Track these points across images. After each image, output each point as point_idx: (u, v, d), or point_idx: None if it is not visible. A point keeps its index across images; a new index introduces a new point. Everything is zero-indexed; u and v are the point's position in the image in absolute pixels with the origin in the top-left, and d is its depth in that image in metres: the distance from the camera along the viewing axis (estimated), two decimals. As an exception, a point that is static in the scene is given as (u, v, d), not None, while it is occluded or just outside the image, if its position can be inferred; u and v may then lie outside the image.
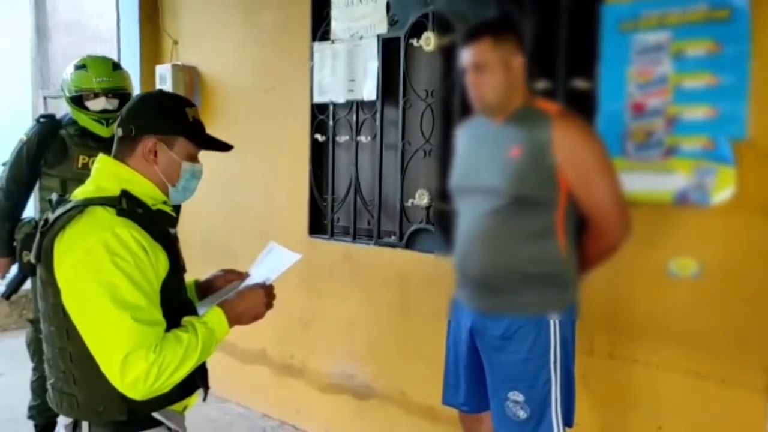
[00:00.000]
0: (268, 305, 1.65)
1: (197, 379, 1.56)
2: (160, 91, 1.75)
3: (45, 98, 5.71)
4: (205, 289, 1.79)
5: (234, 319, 1.56)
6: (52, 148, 2.93)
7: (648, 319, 2.36)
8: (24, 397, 3.15)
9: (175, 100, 1.67)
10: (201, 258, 2.88)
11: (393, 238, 3.17)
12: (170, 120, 1.58)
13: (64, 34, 5.85)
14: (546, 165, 1.96)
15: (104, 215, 1.44)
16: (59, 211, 1.47)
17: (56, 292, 1.43)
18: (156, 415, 1.50)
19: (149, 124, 1.55)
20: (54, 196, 1.56)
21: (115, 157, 1.57)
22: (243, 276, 1.77)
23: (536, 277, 2.01)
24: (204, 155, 1.68)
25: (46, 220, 1.48)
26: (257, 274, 1.71)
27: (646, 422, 2.38)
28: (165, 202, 1.60)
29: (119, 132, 1.56)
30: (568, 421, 2.06)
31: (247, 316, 1.61)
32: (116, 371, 1.37)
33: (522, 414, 2.03)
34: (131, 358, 1.36)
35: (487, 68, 2.01)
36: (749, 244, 2.15)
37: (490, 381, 2.11)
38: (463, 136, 2.24)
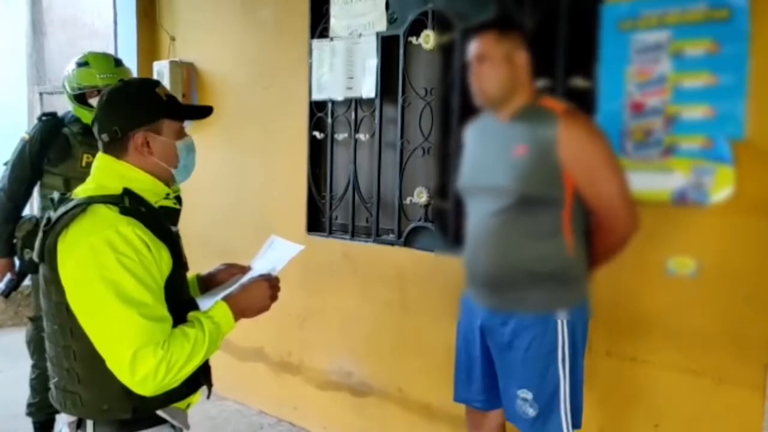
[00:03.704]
0: (273, 297, 1.64)
1: (201, 377, 1.56)
2: (125, 84, 1.64)
3: (41, 94, 5.68)
4: (208, 283, 1.79)
5: (239, 313, 1.56)
6: (55, 146, 2.91)
7: (646, 318, 2.37)
8: (21, 394, 3.15)
9: (142, 85, 1.62)
10: (200, 255, 2.85)
11: (391, 236, 3.17)
12: (148, 108, 1.54)
13: (60, 30, 5.82)
14: (552, 163, 1.97)
15: (107, 213, 1.43)
16: (61, 209, 1.46)
17: (60, 290, 1.43)
18: (160, 412, 1.50)
19: (131, 120, 1.52)
20: (56, 195, 1.55)
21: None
22: (245, 270, 1.76)
23: (543, 275, 2.02)
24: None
25: (49, 219, 1.47)
26: (260, 267, 1.70)
27: (644, 420, 2.39)
28: (167, 195, 1.58)
29: (105, 138, 1.53)
30: (575, 422, 2.06)
31: (253, 310, 1.60)
32: (126, 368, 1.37)
33: (531, 412, 2.04)
34: (140, 355, 1.36)
35: (489, 60, 2.03)
36: (747, 243, 2.16)
37: (501, 379, 2.13)
38: (471, 135, 2.25)
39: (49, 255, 1.44)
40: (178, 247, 1.56)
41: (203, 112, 1.65)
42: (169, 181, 1.59)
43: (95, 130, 1.55)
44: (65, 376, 1.48)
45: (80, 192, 1.51)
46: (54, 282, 1.44)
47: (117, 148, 1.53)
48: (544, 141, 1.98)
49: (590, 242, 2.09)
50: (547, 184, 1.99)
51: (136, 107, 1.54)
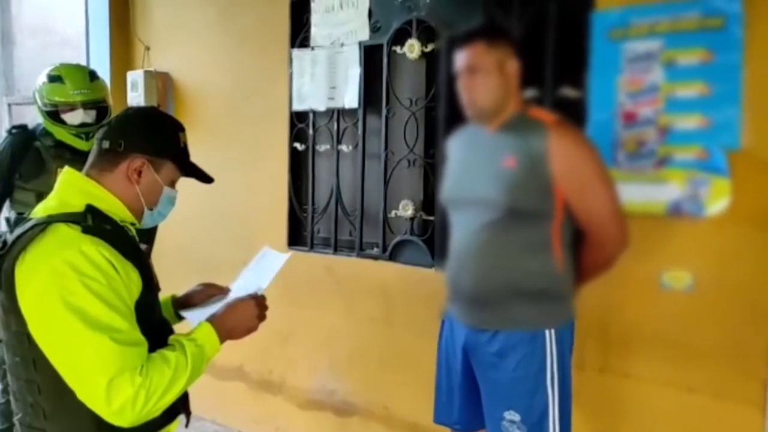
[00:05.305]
0: (261, 317, 1.56)
1: (179, 405, 1.47)
2: (155, 109, 1.65)
3: (9, 105, 5.51)
4: (184, 304, 1.70)
5: (225, 334, 1.48)
6: (26, 160, 2.75)
7: (640, 333, 2.32)
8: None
9: (170, 122, 1.58)
10: (177, 269, 2.77)
11: (376, 249, 3.09)
12: (163, 142, 1.50)
13: (29, 38, 5.66)
14: (542, 176, 1.90)
15: (69, 233, 1.32)
16: (19, 230, 1.34)
17: (20, 320, 1.31)
18: (134, 445, 1.39)
19: (141, 143, 1.46)
20: (12, 215, 1.44)
21: (91, 168, 1.47)
22: (224, 290, 1.69)
23: (532, 291, 1.95)
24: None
25: (5, 242, 1.35)
26: (247, 279, 1.63)
27: (639, 438, 2.34)
28: (132, 224, 1.50)
29: (105, 144, 1.45)
30: None
31: (240, 330, 1.53)
32: (101, 399, 1.26)
33: None
34: (116, 383, 1.26)
35: (481, 70, 1.95)
36: (745, 256, 2.11)
37: (485, 400, 2.04)
38: (456, 145, 2.17)
39: (7, 281, 1.32)
40: (148, 267, 1.46)
41: (205, 177, 1.59)
42: (137, 217, 1.51)
43: (98, 134, 1.49)
44: (30, 411, 1.37)
45: (41, 210, 1.40)
46: (13, 311, 1.32)
47: (109, 160, 1.45)
48: (533, 153, 1.91)
49: (578, 258, 2.02)
50: (537, 197, 1.92)
51: (153, 134, 1.49)
